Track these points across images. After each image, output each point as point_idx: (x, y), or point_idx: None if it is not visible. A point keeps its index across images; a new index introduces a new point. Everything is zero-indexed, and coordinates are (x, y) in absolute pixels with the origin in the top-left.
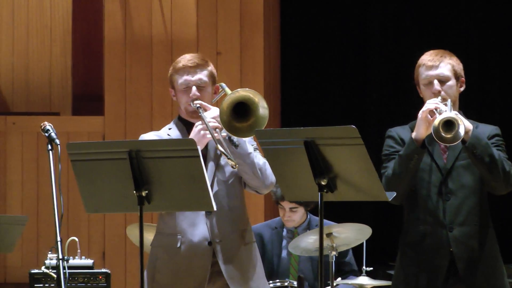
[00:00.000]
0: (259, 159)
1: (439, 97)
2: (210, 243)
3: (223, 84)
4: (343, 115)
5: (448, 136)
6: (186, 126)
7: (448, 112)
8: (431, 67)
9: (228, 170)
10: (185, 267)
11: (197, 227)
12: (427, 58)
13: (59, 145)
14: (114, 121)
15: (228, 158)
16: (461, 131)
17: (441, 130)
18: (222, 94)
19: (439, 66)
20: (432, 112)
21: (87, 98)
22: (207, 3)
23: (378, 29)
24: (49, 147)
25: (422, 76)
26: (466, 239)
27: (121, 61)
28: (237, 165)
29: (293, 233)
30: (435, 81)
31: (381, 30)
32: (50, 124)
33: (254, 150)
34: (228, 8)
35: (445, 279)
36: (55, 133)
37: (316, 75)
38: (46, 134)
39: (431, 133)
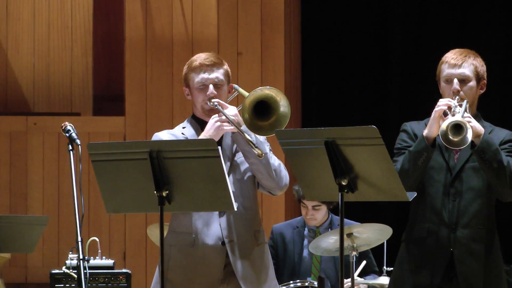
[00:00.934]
0: (275, 160)
1: (457, 97)
2: (223, 243)
3: (236, 85)
4: (363, 115)
5: (455, 139)
6: (200, 125)
7: (458, 115)
8: (454, 66)
9: (242, 170)
10: (198, 266)
11: (211, 227)
12: (451, 56)
13: (80, 146)
14: (135, 121)
15: (255, 147)
16: (469, 136)
17: (449, 133)
18: (236, 94)
19: (462, 65)
20: (446, 112)
21: (108, 99)
22: (228, 3)
23: (399, 29)
24: (70, 147)
25: (443, 73)
26: (468, 241)
27: (142, 61)
28: (263, 154)
29: (315, 232)
30: (455, 80)
31: (402, 29)
32: (71, 125)
33: (269, 151)
34: (249, 8)
35: (449, 279)
36: (76, 134)
37: (336, 75)
38: (67, 135)
39: None
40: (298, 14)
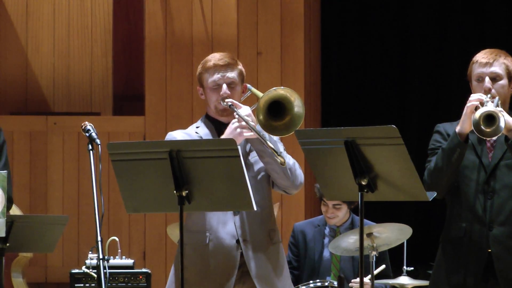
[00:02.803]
0: (289, 159)
1: (489, 95)
2: (238, 242)
3: (249, 85)
4: (383, 115)
5: (488, 130)
6: (214, 124)
7: (491, 105)
8: (485, 65)
9: (256, 169)
10: (213, 264)
11: (225, 226)
12: (481, 55)
13: (99, 145)
14: (155, 121)
15: (278, 155)
16: (502, 125)
17: (481, 123)
18: (249, 94)
19: (493, 64)
20: (477, 108)
21: (128, 98)
22: (247, 3)
23: (419, 29)
24: (90, 147)
25: (474, 72)
26: (506, 239)
27: (161, 61)
28: (285, 163)
29: (335, 232)
30: (487, 78)
31: (422, 29)
32: (91, 124)
33: (284, 151)
34: (269, 8)
35: (485, 280)
36: (95, 133)
37: (356, 75)
38: (87, 134)
39: None
40: (317, 14)
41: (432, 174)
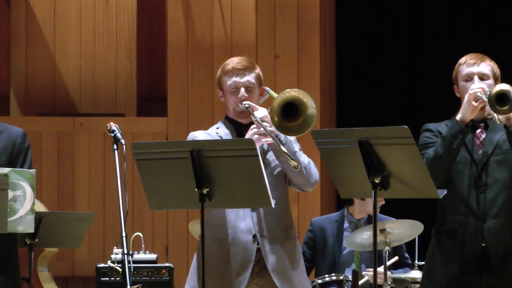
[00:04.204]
0: (304, 158)
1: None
2: (255, 237)
3: (268, 88)
4: (396, 116)
5: (504, 108)
6: (233, 125)
7: (503, 84)
8: (473, 64)
9: (274, 167)
10: (231, 257)
11: (243, 221)
12: (468, 57)
13: (124, 145)
14: (177, 122)
15: (292, 159)
16: None
17: (495, 103)
18: (267, 97)
19: (480, 64)
20: (477, 97)
21: (151, 100)
22: (265, 9)
23: (432, 32)
24: (115, 146)
25: (462, 73)
26: (499, 231)
27: (183, 64)
28: (299, 166)
29: (356, 225)
30: (476, 77)
31: (435, 32)
32: (116, 125)
33: (299, 150)
34: (286, 13)
35: (479, 274)
36: (120, 134)
37: (370, 77)
38: (112, 135)
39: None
40: (333, 19)
41: (432, 162)
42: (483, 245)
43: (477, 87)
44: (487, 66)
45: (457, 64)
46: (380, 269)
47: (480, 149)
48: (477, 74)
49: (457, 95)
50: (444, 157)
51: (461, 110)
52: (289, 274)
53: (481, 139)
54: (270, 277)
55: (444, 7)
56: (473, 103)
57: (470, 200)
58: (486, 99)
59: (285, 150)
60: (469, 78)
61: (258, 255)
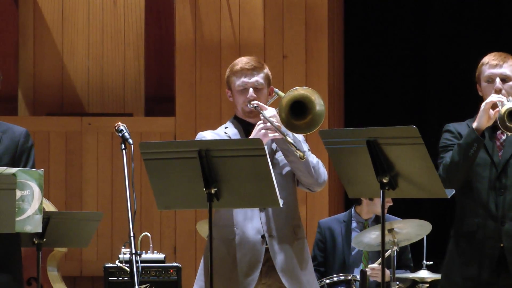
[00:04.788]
0: (313, 158)
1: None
2: (263, 237)
3: (276, 89)
4: (404, 116)
5: None
6: (242, 125)
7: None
8: (495, 66)
9: (283, 167)
10: (239, 257)
11: (251, 221)
12: (491, 57)
13: (132, 145)
14: (185, 122)
15: (297, 149)
16: None
17: (506, 119)
18: (276, 97)
19: (503, 66)
20: (495, 105)
21: (159, 100)
22: (273, 9)
23: (439, 32)
24: (123, 146)
25: (484, 73)
26: None
27: (191, 64)
28: (304, 157)
29: (364, 225)
30: (497, 79)
31: (443, 31)
32: (124, 125)
33: (308, 150)
34: (294, 13)
35: (497, 274)
36: (128, 133)
37: (378, 77)
38: (120, 134)
39: (489, 128)
40: (341, 19)
41: (448, 169)
42: (501, 246)
43: (495, 96)
44: (509, 67)
45: (480, 64)
46: (375, 265)
47: (500, 151)
48: (499, 76)
49: (480, 94)
50: (460, 164)
51: (477, 119)
52: (298, 274)
53: (501, 140)
54: (278, 277)
55: (451, 6)
56: (490, 111)
57: (488, 202)
58: (509, 104)
59: (291, 141)
60: (491, 79)
61: (266, 255)
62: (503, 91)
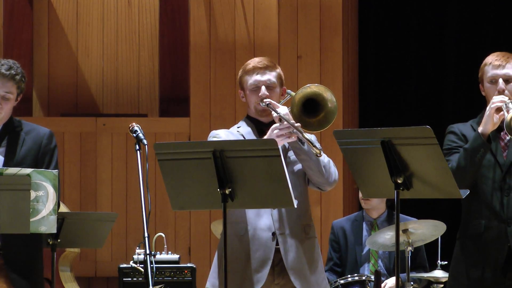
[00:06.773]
0: (324, 157)
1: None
2: (274, 234)
3: (289, 90)
4: (419, 116)
5: None
6: (254, 124)
7: None
8: (498, 66)
9: (294, 167)
10: (251, 253)
11: (262, 218)
12: (494, 58)
13: (146, 145)
14: (199, 122)
15: (313, 146)
16: None
17: None
18: (288, 98)
19: (506, 66)
20: (499, 109)
21: (174, 100)
22: (288, 9)
23: (454, 31)
24: (137, 147)
25: (487, 74)
26: None
27: (206, 65)
28: (321, 153)
29: (373, 225)
30: (500, 80)
31: (457, 32)
32: (138, 125)
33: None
34: (308, 13)
35: (504, 275)
36: (143, 134)
37: (392, 77)
38: (134, 135)
39: (494, 130)
40: (355, 19)
41: (455, 174)
42: (508, 246)
43: (497, 100)
44: None
45: (483, 64)
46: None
47: (504, 152)
48: (502, 77)
49: (483, 94)
50: (467, 169)
51: (482, 124)
52: (307, 273)
53: (505, 141)
54: (288, 276)
55: (467, 6)
56: (495, 116)
57: (494, 203)
58: (507, 112)
59: (308, 138)
60: (494, 80)
61: (279, 256)
62: (506, 92)
